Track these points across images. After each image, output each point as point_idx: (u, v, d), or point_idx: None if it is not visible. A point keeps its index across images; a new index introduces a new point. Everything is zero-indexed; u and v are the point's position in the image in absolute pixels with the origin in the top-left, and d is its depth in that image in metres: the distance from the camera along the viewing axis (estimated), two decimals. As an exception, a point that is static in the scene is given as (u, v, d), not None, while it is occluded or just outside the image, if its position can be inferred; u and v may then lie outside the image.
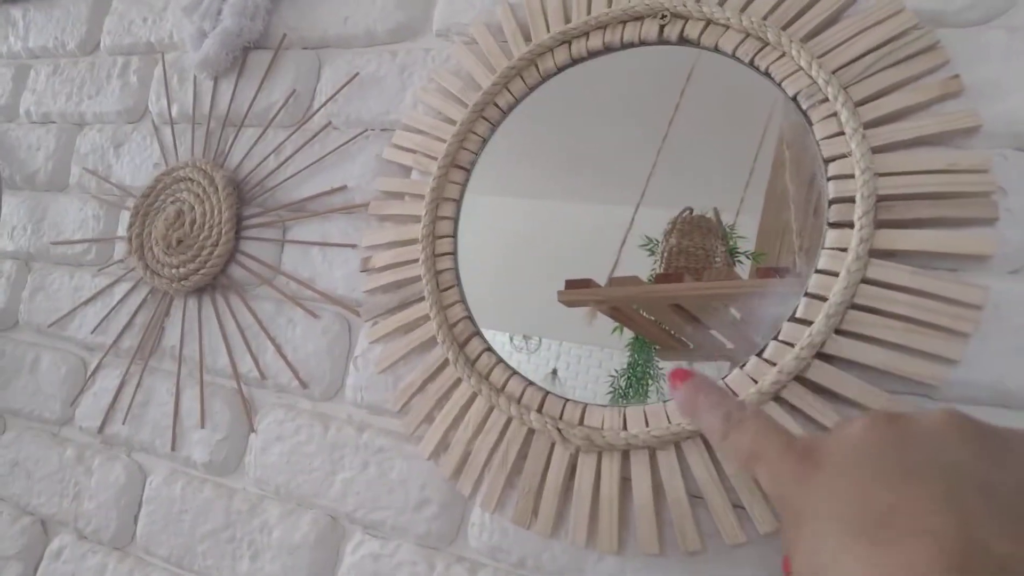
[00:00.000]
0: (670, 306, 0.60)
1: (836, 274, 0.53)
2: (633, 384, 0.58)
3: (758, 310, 0.55)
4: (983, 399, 0.52)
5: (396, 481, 0.71)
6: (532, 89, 0.72)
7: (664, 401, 0.58)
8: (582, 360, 0.61)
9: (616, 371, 0.59)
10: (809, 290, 0.54)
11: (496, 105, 0.73)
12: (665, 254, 0.59)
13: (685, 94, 0.63)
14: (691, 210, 0.60)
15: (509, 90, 0.72)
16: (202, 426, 0.85)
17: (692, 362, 0.59)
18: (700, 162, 0.63)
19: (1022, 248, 0.52)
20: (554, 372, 0.61)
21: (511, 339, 0.63)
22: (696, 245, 0.58)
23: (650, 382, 0.58)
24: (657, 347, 0.60)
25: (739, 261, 0.58)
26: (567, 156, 0.71)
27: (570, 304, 0.62)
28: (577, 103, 0.72)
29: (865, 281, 0.53)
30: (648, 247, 0.60)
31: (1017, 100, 0.54)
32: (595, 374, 0.59)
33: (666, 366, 0.58)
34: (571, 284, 0.61)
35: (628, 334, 0.60)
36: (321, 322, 0.80)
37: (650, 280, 0.60)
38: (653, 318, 0.61)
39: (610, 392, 0.59)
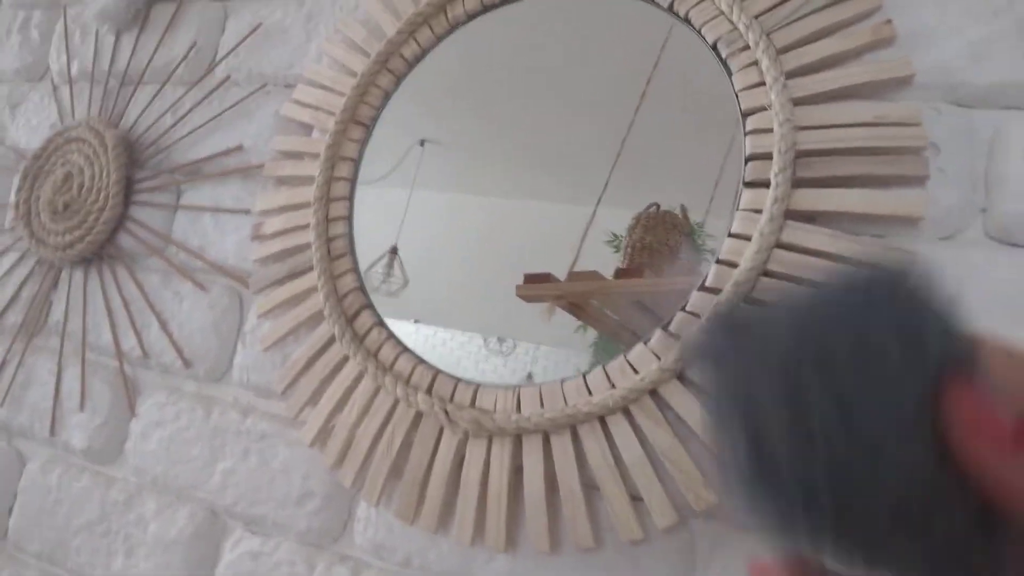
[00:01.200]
0: (632, 303, 0.56)
1: (749, 238, 0.48)
2: None
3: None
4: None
5: (278, 471, 0.65)
6: (440, 39, 0.66)
7: (562, 380, 0.52)
8: (559, 364, 0.57)
9: (579, 371, 0.54)
10: (721, 256, 0.49)
11: (401, 56, 0.67)
12: (629, 250, 0.57)
13: (651, 83, 0.59)
14: (657, 205, 0.57)
15: (416, 39, 0.67)
16: (81, 409, 0.78)
17: None
18: (666, 160, 0.60)
19: (955, 211, 0.47)
20: (530, 376, 0.57)
21: (485, 341, 0.59)
22: (660, 241, 0.56)
23: None
24: (622, 346, 0.55)
25: (706, 259, 0.54)
26: (534, 155, 0.66)
27: (528, 299, 0.58)
28: (500, 60, 0.67)
29: (780, 246, 0.48)
30: (613, 243, 0.57)
31: (953, 49, 0.49)
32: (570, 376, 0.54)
33: None
34: (530, 279, 0.58)
35: (593, 333, 0.57)
36: (209, 295, 0.74)
37: (612, 276, 0.56)
38: (616, 316, 0.58)
39: None
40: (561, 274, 0.57)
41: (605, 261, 0.57)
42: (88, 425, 0.77)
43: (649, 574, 0.51)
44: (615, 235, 0.57)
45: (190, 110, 0.80)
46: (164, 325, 0.75)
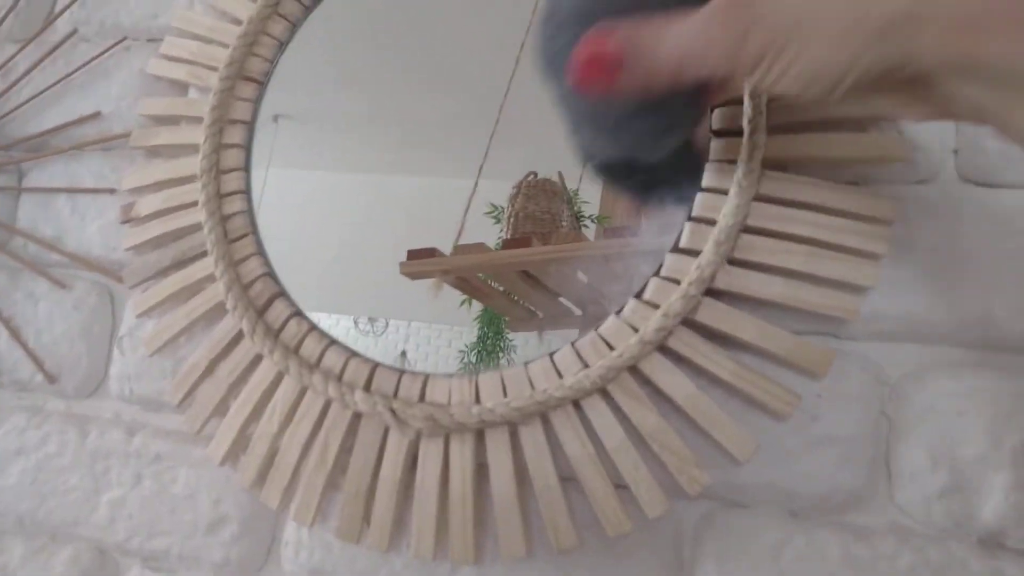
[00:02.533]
0: (518, 273, 0.54)
1: (724, 192, 0.44)
2: (484, 358, 0.53)
3: (605, 272, 0.51)
4: (895, 333, 0.44)
5: (181, 496, 0.54)
6: (341, -23, 0.57)
7: (525, 363, 0.46)
8: (432, 340, 0.56)
9: (466, 346, 0.53)
10: (694, 214, 0.45)
11: (295, -1, 0.57)
12: (512, 219, 0.55)
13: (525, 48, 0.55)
14: (535, 174, 0.56)
15: (311, -21, 0.57)
16: (-89, 445, 0.63)
17: (541, 330, 0.54)
18: (540, 123, 0.56)
19: (932, 153, 0.45)
20: (403, 354, 0.55)
21: (356, 323, 0.56)
22: (542, 209, 0.55)
23: (501, 355, 0.53)
24: (506, 319, 0.54)
25: (585, 225, 0.55)
26: (402, 127, 0.61)
27: (413, 276, 0.55)
28: (419, 60, 0.60)
29: (759, 198, 0.44)
30: (494, 215, 0.55)
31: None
32: (445, 353, 0.55)
33: (516, 338, 0.53)
34: (413, 254, 0.55)
35: (476, 307, 0.54)
36: (72, 294, 0.61)
37: (497, 247, 0.55)
38: (501, 288, 0.55)
39: (461, 368, 0.53)
40: (441, 247, 0.54)
41: (486, 233, 0.55)
42: (-78, 463, 0.63)
43: (634, 566, 0.46)
44: (494, 206, 0.55)
45: (27, 72, 0.66)
46: (16, 333, 0.62)
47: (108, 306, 0.60)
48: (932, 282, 0.44)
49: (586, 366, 0.44)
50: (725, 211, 0.43)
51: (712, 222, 0.44)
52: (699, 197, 0.45)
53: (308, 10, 0.57)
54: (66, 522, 0.57)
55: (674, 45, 0.31)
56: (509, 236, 0.55)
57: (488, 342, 0.53)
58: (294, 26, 0.57)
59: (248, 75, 0.56)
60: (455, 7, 0.60)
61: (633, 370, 0.44)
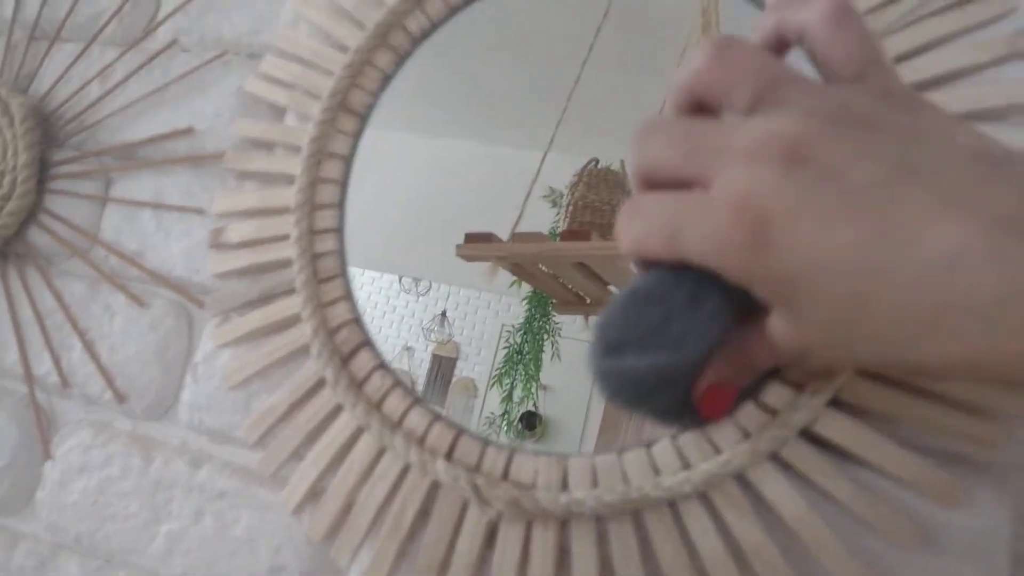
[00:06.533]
0: (575, 264, 0.56)
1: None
2: (528, 340, 0.57)
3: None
4: (1041, 467, 0.42)
5: (242, 539, 0.55)
6: (455, 10, 0.57)
7: (619, 451, 0.45)
8: (471, 301, 0.59)
9: (512, 326, 0.57)
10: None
11: (405, 29, 0.57)
12: (570, 208, 0.58)
13: (601, 32, 0.58)
14: (596, 161, 0.58)
15: (423, 10, 0.57)
16: (-22, 446, 0.66)
17: (588, 315, 0.58)
18: (608, 108, 0.60)
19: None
20: (443, 314, 0.59)
21: (400, 279, 0.61)
22: (602, 200, 0.57)
23: (546, 337, 0.57)
24: (554, 301, 0.58)
25: None
26: (474, 94, 0.64)
27: (469, 259, 0.58)
28: (497, 33, 0.61)
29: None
30: (551, 198, 0.58)
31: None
32: (483, 315, 0.59)
33: (562, 320, 0.57)
34: (471, 238, 0.57)
35: (526, 288, 0.57)
36: (150, 312, 0.63)
37: (553, 235, 0.57)
38: (552, 273, 0.58)
39: (505, 348, 0.57)
40: (497, 228, 0.56)
41: (541, 213, 0.57)
42: (-13, 467, 0.65)
43: None
44: (552, 189, 0.57)
45: (124, 79, 0.68)
46: (90, 346, 0.64)
47: (185, 330, 0.62)
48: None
49: (688, 466, 0.43)
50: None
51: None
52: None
53: (419, 41, 0.58)
54: (123, 548, 0.59)
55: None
56: (567, 226, 0.56)
57: (535, 324, 0.56)
58: (401, 58, 0.58)
59: (350, 107, 0.57)
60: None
61: (739, 478, 0.42)
